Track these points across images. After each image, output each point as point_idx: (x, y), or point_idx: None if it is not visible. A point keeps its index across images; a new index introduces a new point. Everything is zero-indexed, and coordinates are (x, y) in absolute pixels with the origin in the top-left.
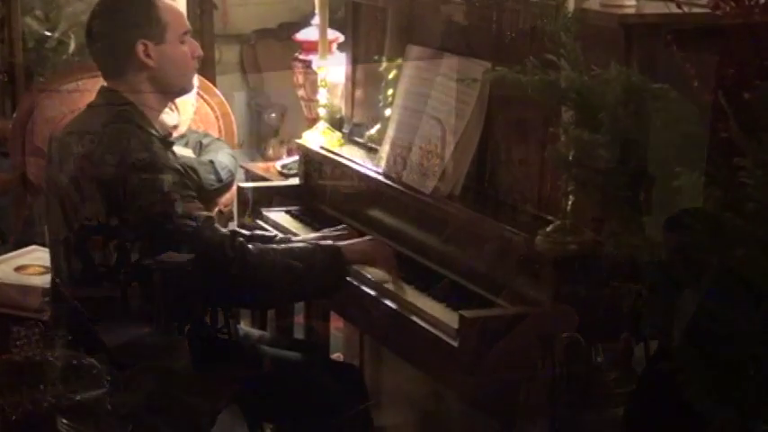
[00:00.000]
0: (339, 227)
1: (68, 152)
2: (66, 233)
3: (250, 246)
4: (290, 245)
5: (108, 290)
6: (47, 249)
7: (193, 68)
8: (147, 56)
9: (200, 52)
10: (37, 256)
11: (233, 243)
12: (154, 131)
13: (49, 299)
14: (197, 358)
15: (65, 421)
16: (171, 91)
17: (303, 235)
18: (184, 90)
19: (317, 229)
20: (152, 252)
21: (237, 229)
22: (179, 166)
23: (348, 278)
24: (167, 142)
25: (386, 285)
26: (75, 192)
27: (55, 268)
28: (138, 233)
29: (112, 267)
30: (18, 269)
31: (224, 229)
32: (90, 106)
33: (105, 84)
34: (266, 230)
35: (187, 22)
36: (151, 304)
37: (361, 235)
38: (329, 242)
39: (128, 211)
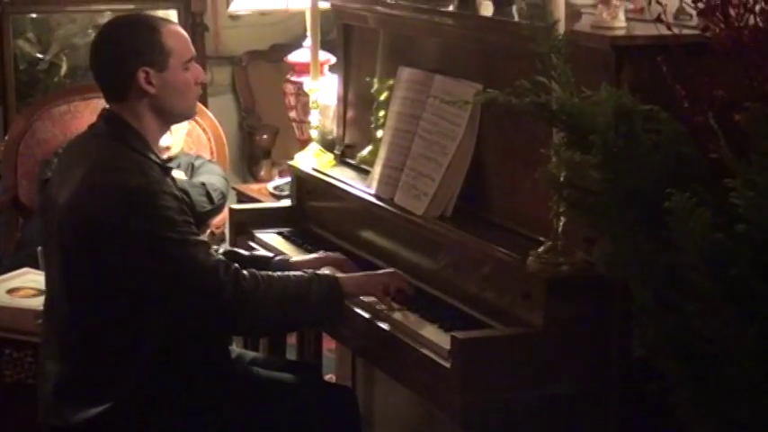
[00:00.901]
0: (337, 254)
1: (68, 174)
2: (59, 253)
3: (245, 272)
4: (287, 273)
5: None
6: (39, 272)
7: (196, 95)
8: (149, 83)
9: (203, 78)
10: (29, 279)
11: (227, 268)
12: (153, 156)
13: (42, 320)
14: (191, 382)
15: None
16: (172, 117)
17: (295, 256)
18: (186, 116)
19: (308, 251)
20: (147, 274)
21: (236, 249)
22: (177, 192)
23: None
24: (166, 168)
25: (385, 311)
26: (71, 212)
27: (50, 287)
28: (134, 256)
29: (107, 289)
30: (10, 291)
31: (219, 254)
32: (90, 128)
33: (107, 106)
34: (264, 252)
35: (192, 48)
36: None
37: (349, 257)
38: (327, 272)
39: (124, 234)
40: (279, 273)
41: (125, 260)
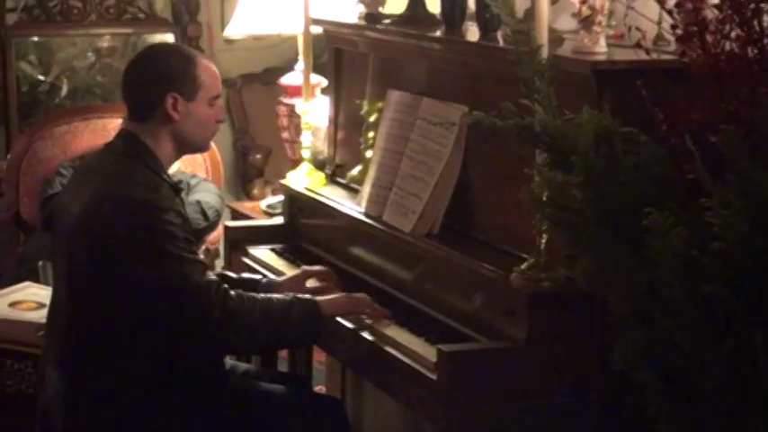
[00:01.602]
0: (317, 267)
1: (81, 187)
2: (66, 263)
3: (232, 292)
4: (271, 295)
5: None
6: (40, 286)
7: (213, 131)
8: (175, 109)
9: (222, 117)
10: (31, 292)
11: (218, 288)
12: (165, 176)
13: (43, 332)
14: (186, 392)
15: None
16: (187, 146)
17: (287, 272)
18: (199, 149)
19: (299, 267)
20: (145, 287)
21: (226, 272)
22: (183, 212)
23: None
24: (177, 188)
25: (367, 321)
26: (81, 223)
27: (55, 297)
28: (134, 267)
29: (108, 300)
30: (12, 305)
31: (212, 275)
32: (107, 145)
33: (126, 127)
34: (253, 274)
35: (220, 87)
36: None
37: (339, 273)
38: (308, 296)
39: (128, 245)
40: (263, 295)
41: (127, 272)
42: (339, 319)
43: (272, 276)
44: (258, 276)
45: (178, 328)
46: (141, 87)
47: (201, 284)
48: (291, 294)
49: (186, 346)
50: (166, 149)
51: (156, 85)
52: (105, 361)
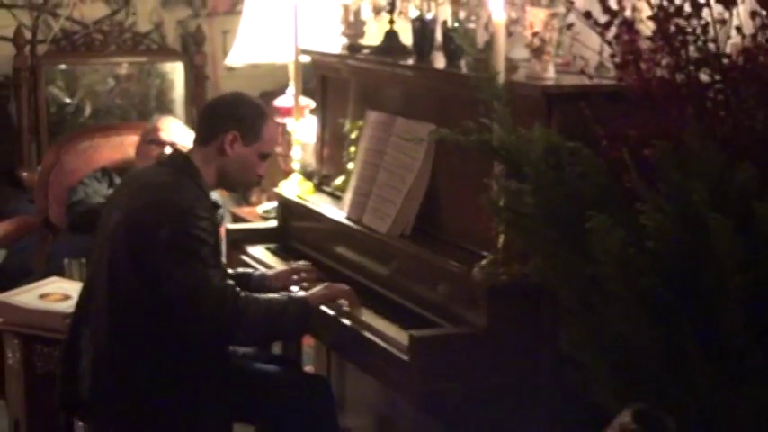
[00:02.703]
0: (301, 262)
1: (128, 194)
2: (107, 260)
3: (242, 294)
4: (270, 295)
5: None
6: (66, 280)
7: (251, 181)
8: (231, 145)
9: (263, 174)
10: (58, 286)
11: (231, 291)
12: (207, 193)
13: (69, 320)
14: (197, 372)
15: (81, 424)
16: (226, 182)
17: (279, 267)
18: (234, 189)
19: (290, 263)
20: (171, 283)
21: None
22: (216, 223)
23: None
24: (216, 205)
25: (345, 309)
26: (127, 223)
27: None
28: (167, 264)
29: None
30: (42, 297)
31: (228, 281)
32: (159, 162)
33: (179, 150)
34: (246, 268)
35: (274, 149)
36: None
37: (326, 268)
38: (299, 294)
39: (165, 244)
40: (264, 295)
41: (160, 267)
42: (325, 309)
43: (263, 270)
44: (251, 270)
45: (195, 320)
46: (214, 116)
47: (218, 287)
48: (286, 295)
49: (200, 336)
50: (210, 176)
51: (226, 118)
52: (132, 339)
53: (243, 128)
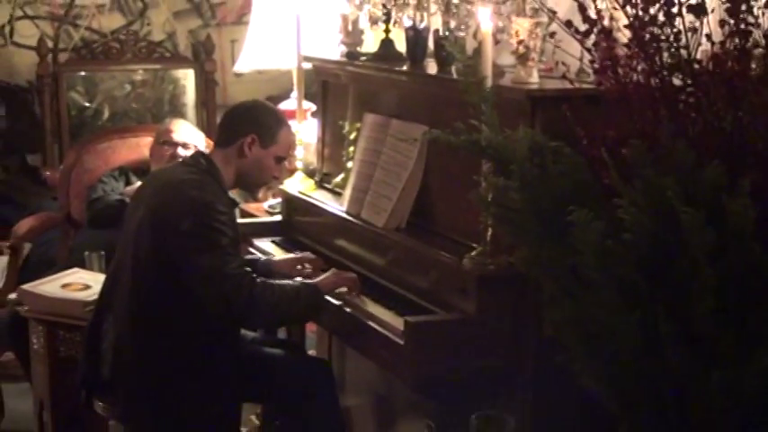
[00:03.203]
0: (306, 253)
1: (152, 191)
2: (132, 251)
3: (258, 280)
4: (283, 282)
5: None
6: (86, 271)
7: (267, 182)
8: (249, 148)
9: (279, 176)
10: (79, 276)
11: (248, 278)
12: (226, 190)
13: (92, 308)
14: (211, 355)
15: (100, 404)
16: (243, 182)
17: (278, 256)
18: (250, 189)
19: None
20: (192, 271)
21: None
22: (234, 218)
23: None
24: (234, 203)
25: (347, 297)
26: (152, 219)
27: (110, 283)
28: (187, 253)
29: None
30: (64, 286)
31: (245, 269)
32: (183, 164)
33: (201, 152)
34: (253, 255)
35: (289, 153)
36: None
37: (327, 259)
38: (309, 281)
39: (187, 237)
40: (278, 282)
41: (182, 257)
42: (327, 297)
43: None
44: (257, 256)
45: (213, 305)
46: (235, 120)
47: (236, 274)
48: (299, 281)
49: (217, 320)
50: (229, 176)
51: (246, 123)
52: (152, 324)
53: (261, 131)
